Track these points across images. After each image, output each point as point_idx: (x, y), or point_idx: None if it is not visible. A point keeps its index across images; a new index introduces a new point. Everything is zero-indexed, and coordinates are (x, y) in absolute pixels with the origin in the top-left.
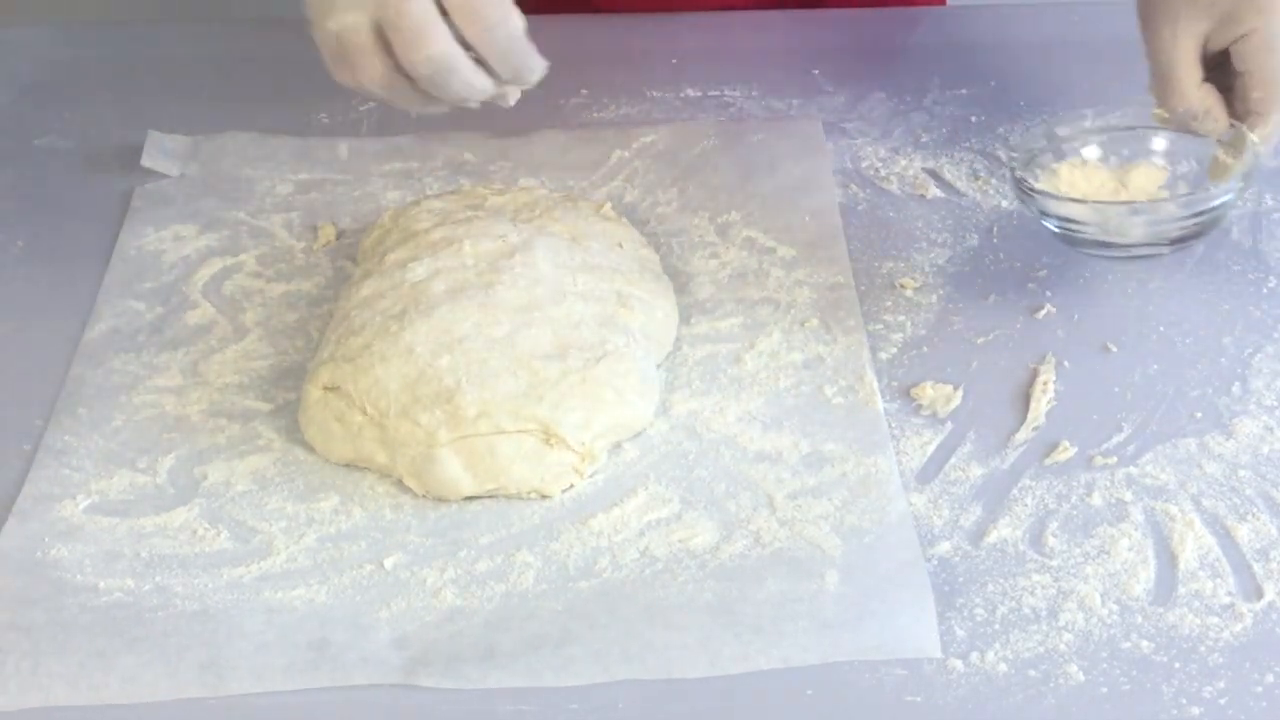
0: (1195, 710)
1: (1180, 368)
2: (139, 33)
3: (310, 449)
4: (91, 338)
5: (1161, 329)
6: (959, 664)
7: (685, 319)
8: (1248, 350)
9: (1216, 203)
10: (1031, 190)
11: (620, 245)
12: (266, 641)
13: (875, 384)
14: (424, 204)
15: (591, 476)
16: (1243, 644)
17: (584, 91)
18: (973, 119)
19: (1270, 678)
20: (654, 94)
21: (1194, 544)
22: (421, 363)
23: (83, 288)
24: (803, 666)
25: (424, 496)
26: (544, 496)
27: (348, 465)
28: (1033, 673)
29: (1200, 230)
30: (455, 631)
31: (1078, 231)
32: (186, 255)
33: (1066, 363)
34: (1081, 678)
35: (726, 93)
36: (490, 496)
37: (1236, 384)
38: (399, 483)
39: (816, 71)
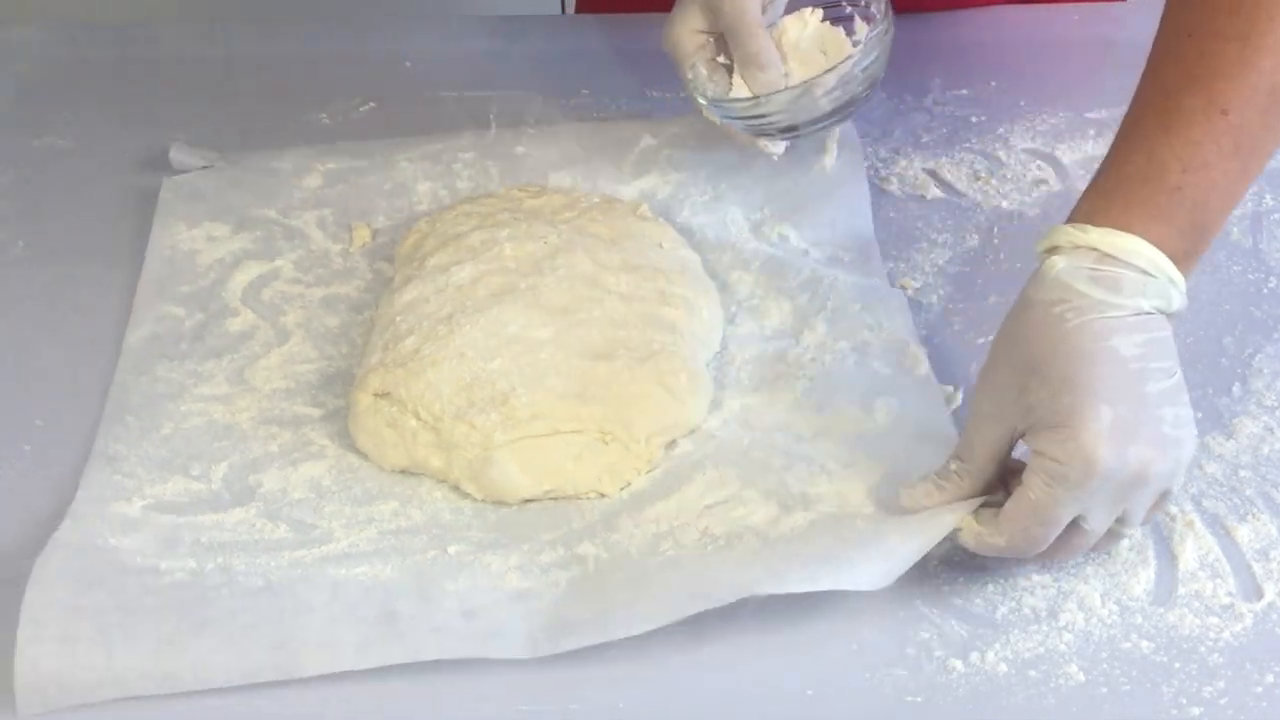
0: (1195, 710)
1: (1180, 368)
2: (139, 33)
3: (364, 456)
4: (133, 344)
5: None
6: (959, 664)
7: (730, 319)
8: (1248, 351)
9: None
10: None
11: (660, 245)
12: (335, 615)
13: (921, 353)
14: (460, 207)
15: (648, 473)
16: (1243, 644)
17: (584, 91)
18: (973, 119)
19: (1270, 678)
20: (654, 94)
21: (1194, 544)
22: (473, 366)
23: (84, 288)
24: (803, 666)
25: (482, 500)
26: (601, 496)
27: (403, 471)
28: (1033, 673)
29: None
30: (526, 610)
31: (771, 122)
32: (221, 258)
33: None
34: (1081, 678)
35: None
36: (548, 498)
37: (1237, 384)
38: (456, 487)
39: None
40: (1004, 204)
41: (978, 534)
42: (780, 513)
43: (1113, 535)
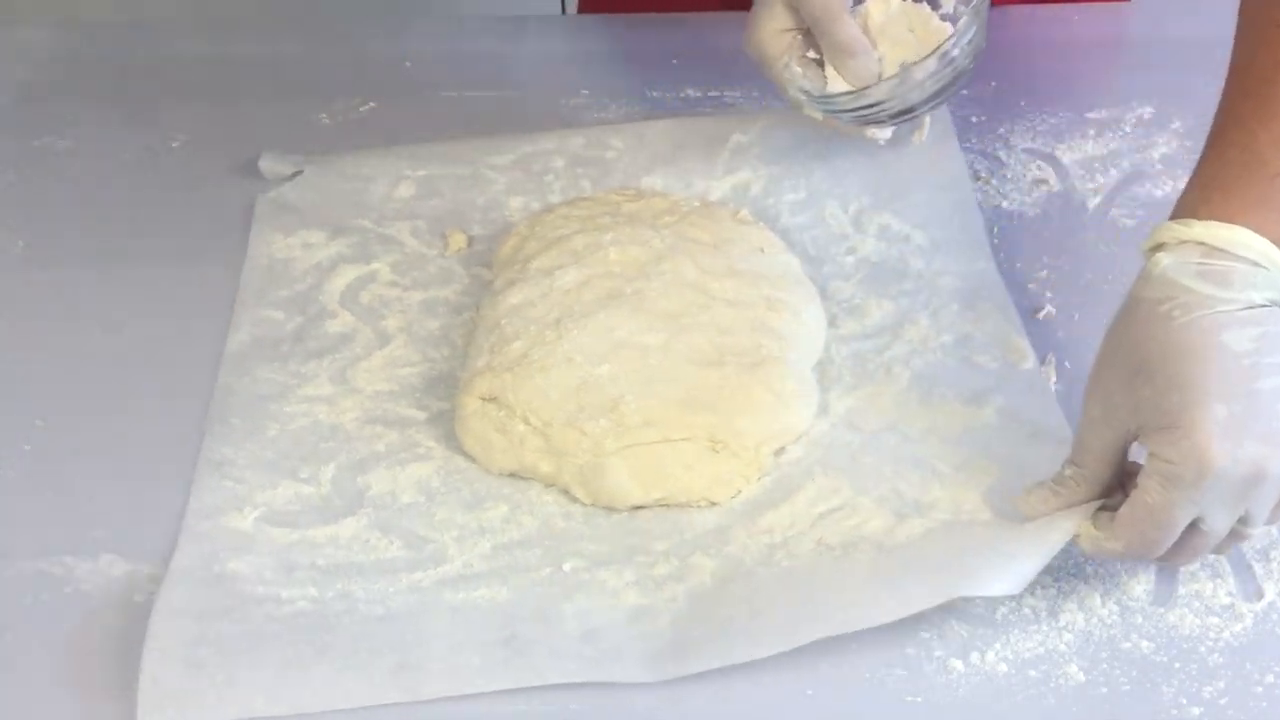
0: (1195, 710)
1: None
2: (139, 33)
3: (471, 458)
4: (234, 348)
5: None
6: (959, 664)
7: (831, 322)
8: None
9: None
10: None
11: (761, 250)
12: (458, 641)
13: (1026, 346)
14: (560, 210)
15: (758, 480)
16: (1243, 644)
17: (584, 92)
18: (973, 119)
19: (1270, 678)
20: (654, 94)
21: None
22: (582, 371)
23: (84, 289)
24: (802, 665)
25: (592, 505)
26: (712, 504)
27: (511, 475)
28: (1033, 673)
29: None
30: (644, 631)
31: (880, 110)
32: (318, 262)
33: (1067, 363)
34: (1082, 678)
35: (726, 93)
36: (659, 505)
37: None
38: (565, 492)
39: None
40: (1004, 204)
41: (1095, 539)
42: (895, 521)
43: (1236, 535)
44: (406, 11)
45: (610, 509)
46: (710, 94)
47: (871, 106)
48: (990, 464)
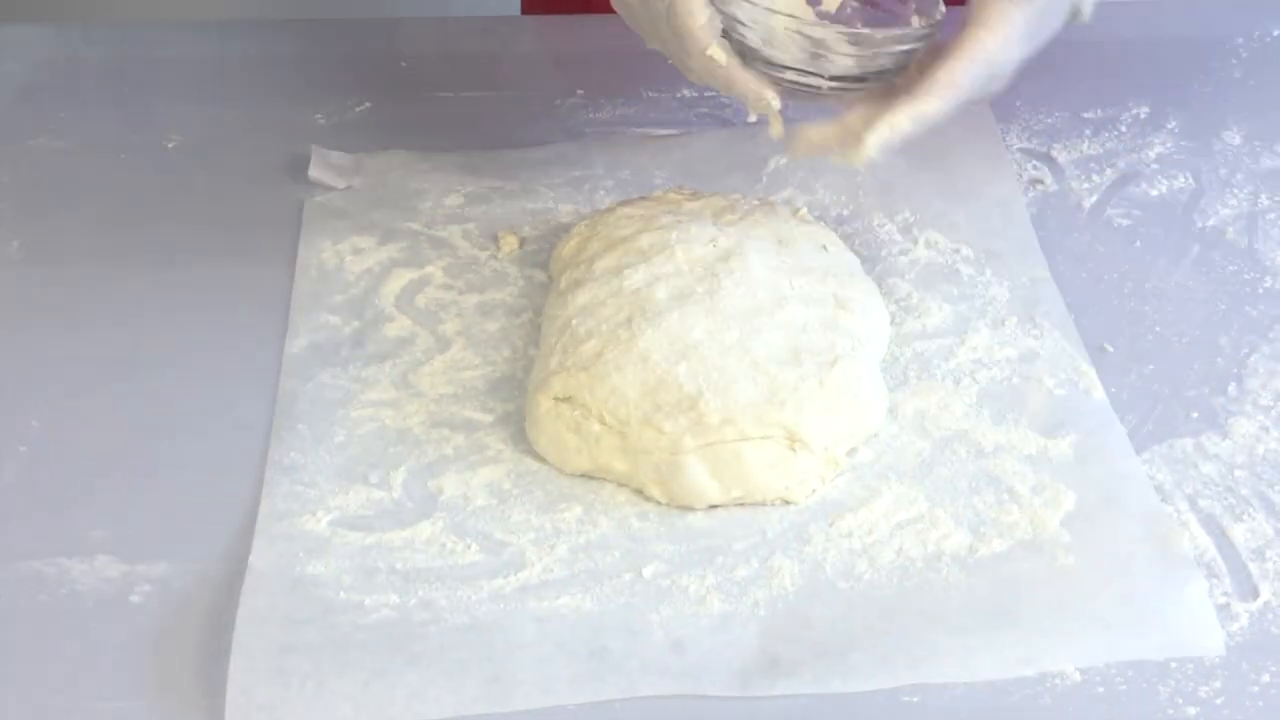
0: (1191, 710)
1: (1176, 368)
2: (134, 33)
3: (541, 459)
4: (294, 354)
5: (1157, 329)
6: None
7: (891, 319)
8: (1244, 350)
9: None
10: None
11: (825, 248)
12: (546, 654)
13: (1093, 373)
14: (619, 210)
15: (833, 480)
16: (1239, 644)
17: (580, 92)
18: None
19: (1266, 677)
20: (650, 94)
21: (1190, 544)
22: (659, 370)
23: (82, 289)
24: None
25: (667, 505)
26: (788, 503)
27: (583, 475)
28: (1029, 672)
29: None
30: (732, 640)
31: (742, 36)
32: (370, 267)
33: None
34: (1078, 677)
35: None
36: (735, 504)
37: (1232, 384)
38: (639, 491)
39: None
40: None
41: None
42: (974, 540)
43: None
44: (402, 12)
45: (686, 508)
46: (707, 94)
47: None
48: (1068, 490)
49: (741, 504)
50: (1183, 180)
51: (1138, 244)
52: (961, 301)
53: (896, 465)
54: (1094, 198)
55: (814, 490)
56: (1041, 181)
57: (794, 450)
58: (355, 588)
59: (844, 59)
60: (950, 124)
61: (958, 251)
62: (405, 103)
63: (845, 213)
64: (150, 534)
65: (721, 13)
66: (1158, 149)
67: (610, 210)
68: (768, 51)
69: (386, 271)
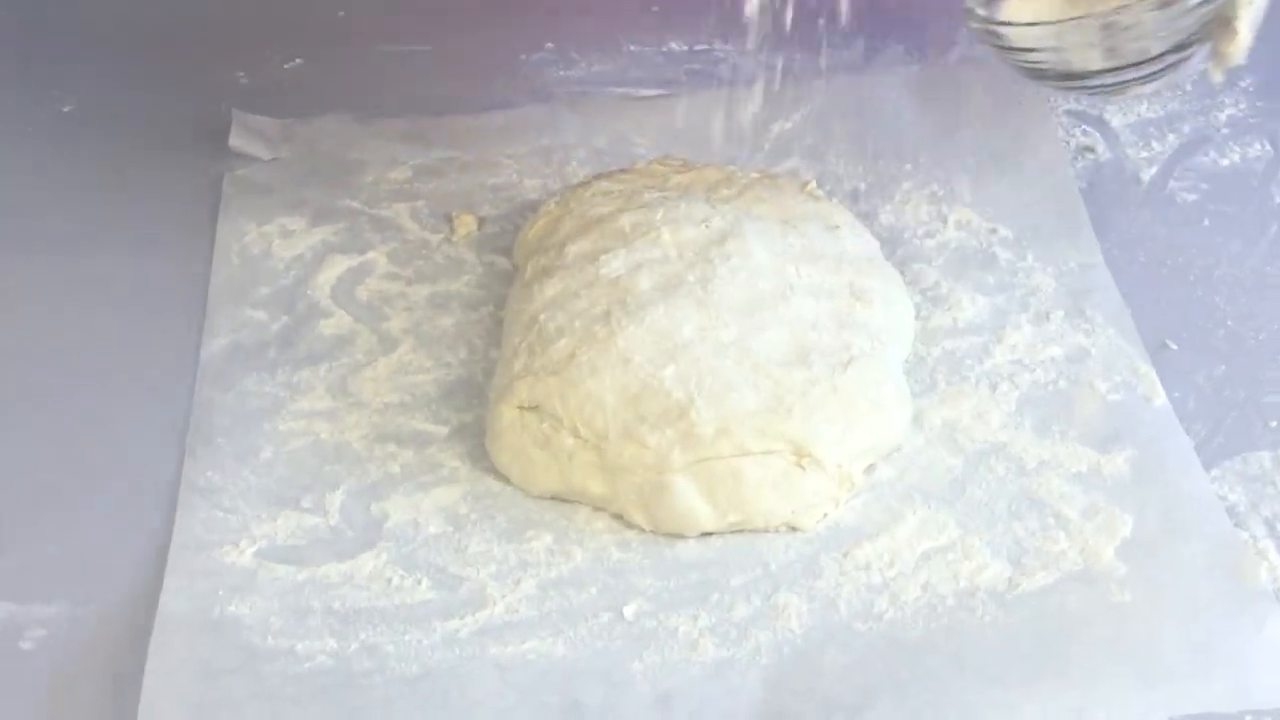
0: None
1: (1251, 369)
2: None
3: (504, 479)
4: (212, 356)
5: (1229, 323)
6: None
7: (916, 312)
8: None
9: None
10: (983, 21)
11: (838, 228)
12: (510, 707)
13: (1155, 376)
14: (596, 185)
15: (847, 503)
16: None
17: (549, 45)
18: None
19: None
20: (632, 48)
21: (1268, 575)
22: (642, 374)
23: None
24: None
25: (653, 532)
26: (794, 530)
27: (553, 498)
28: None
29: (1180, 44)
30: (729, 691)
31: (1038, 63)
32: (300, 254)
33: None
34: None
35: (717, 46)
36: (732, 531)
37: None
38: (619, 517)
39: (822, 21)
40: None
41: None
42: (1014, 573)
43: None
44: None
45: (675, 536)
46: (698, 48)
47: (1031, 51)
48: (1124, 514)
49: (740, 531)
50: (1258, 148)
51: (1206, 223)
52: (998, 292)
53: (922, 485)
54: (1154, 169)
55: (825, 515)
56: (1092, 149)
57: (802, 467)
58: (285, 631)
59: (1140, 41)
60: (983, 84)
61: (994, 232)
62: (342, 59)
63: (862, 186)
64: (43, 569)
65: (1006, 59)
66: (1229, 110)
67: (584, 185)
68: (1065, 65)
69: (320, 258)
